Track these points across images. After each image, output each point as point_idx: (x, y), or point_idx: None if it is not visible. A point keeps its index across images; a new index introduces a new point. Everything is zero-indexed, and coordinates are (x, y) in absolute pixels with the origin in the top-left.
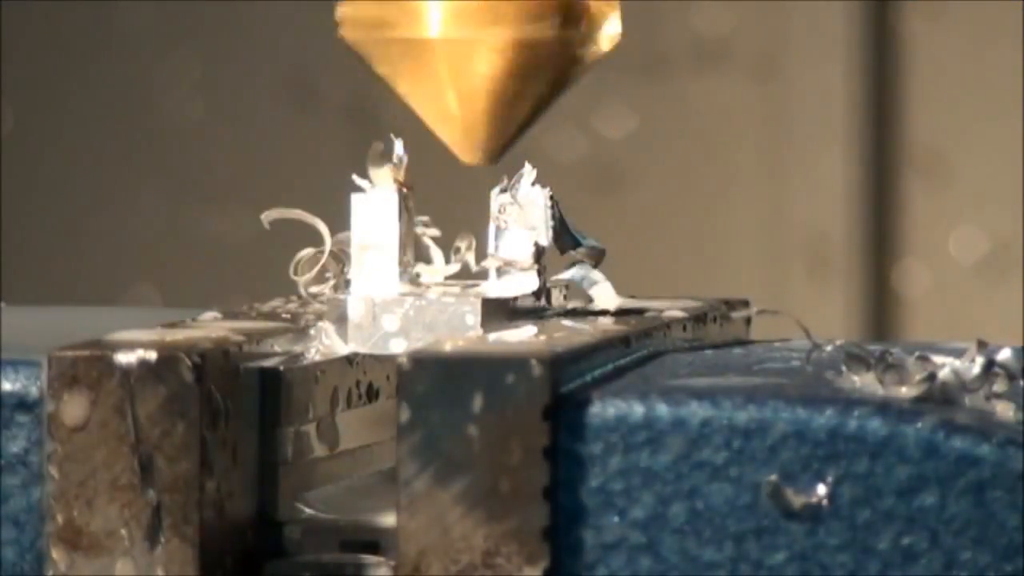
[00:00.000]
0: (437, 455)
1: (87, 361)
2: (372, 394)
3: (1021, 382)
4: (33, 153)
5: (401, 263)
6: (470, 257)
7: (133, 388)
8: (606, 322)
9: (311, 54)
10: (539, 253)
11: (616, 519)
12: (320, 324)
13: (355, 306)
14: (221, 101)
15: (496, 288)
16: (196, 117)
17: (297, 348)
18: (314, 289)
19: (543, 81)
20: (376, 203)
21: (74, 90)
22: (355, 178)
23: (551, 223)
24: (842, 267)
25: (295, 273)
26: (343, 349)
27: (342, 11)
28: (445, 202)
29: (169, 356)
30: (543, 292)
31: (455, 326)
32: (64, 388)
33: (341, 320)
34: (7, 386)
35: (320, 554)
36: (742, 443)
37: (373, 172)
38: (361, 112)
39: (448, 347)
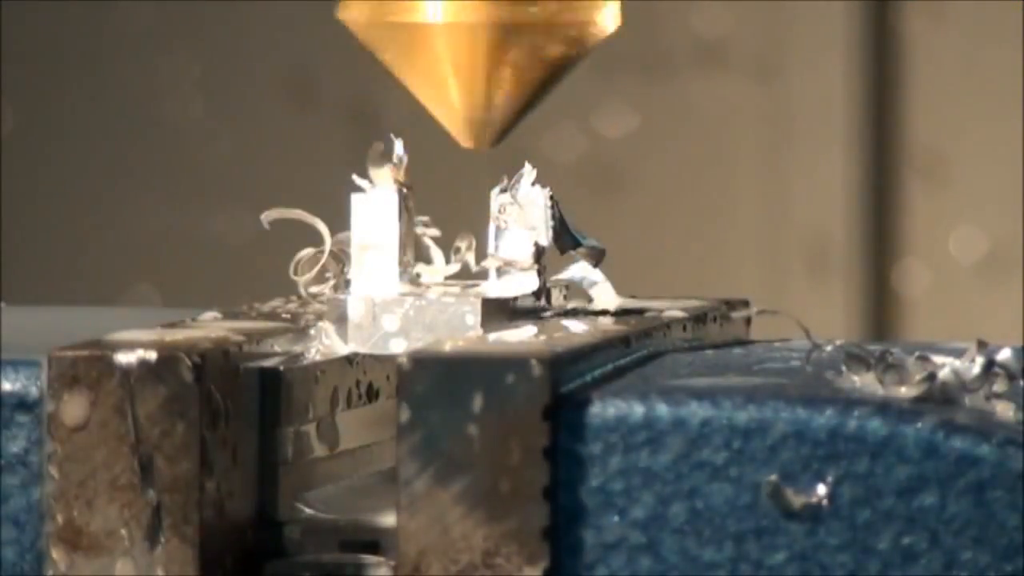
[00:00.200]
0: (437, 455)
1: (87, 361)
2: (372, 394)
3: (1021, 382)
4: (33, 153)
5: (401, 263)
6: (470, 257)
7: (133, 388)
8: (606, 322)
9: (311, 54)
10: (539, 253)
11: (616, 519)
12: (320, 324)
13: (355, 306)
14: (221, 101)
15: (496, 288)
16: (196, 117)
17: (297, 348)
18: (314, 289)
19: (544, 65)
20: (376, 203)
21: (74, 90)
22: (355, 178)
23: (551, 223)
24: (842, 267)
25: (295, 273)
26: (343, 349)
27: None
28: (445, 202)
29: (169, 356)
30: (543, 292)
31: (455, 326)
32: (64, 388)
33: (341, 320)
34: (7, 386)
35: (320, 554)
36: (742, 443)
37: (373, 172)
38: (361, 112)
39: (448, 347)
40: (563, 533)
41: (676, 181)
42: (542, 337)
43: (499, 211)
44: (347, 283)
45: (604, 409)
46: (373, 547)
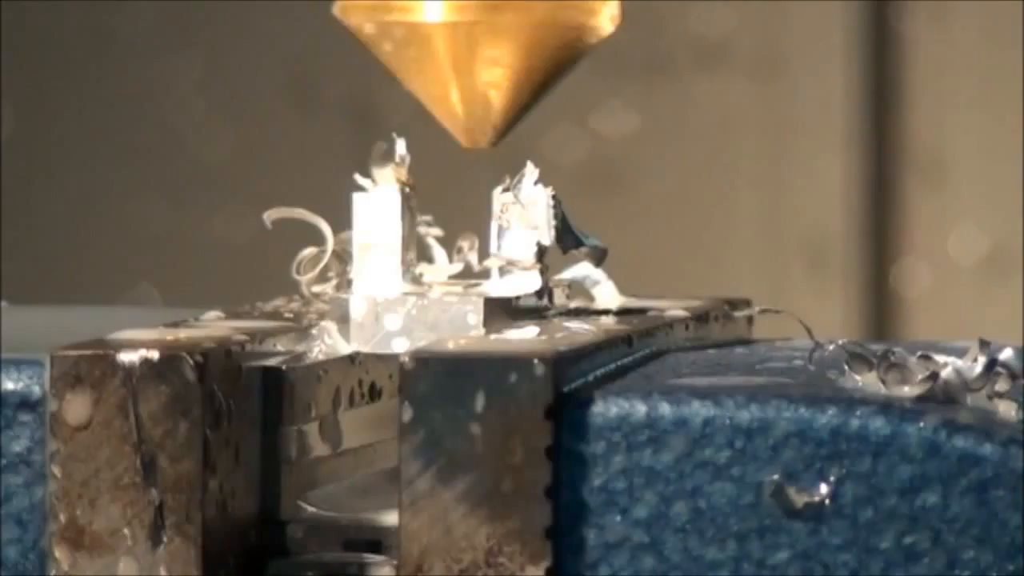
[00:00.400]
0: (440, 454)
1: (90, 360)
2: (374, 393)
3: (1023, 381)
4: (33, 153)
5: (403, 262)
6: (472, 257)
7: (136, 387)
8: (608, 321)
9: (312, 54)
10: (541, 252)
11: (618, 518)
12: (322, 323)
13: (357, 305)
14: (221, 101)
15: (498, 287)
16: (196, 117)
17: (300, 347)
18: (316, 288)
19: (544, 64)
20: (378, 202)
21: (74, 90)
22: (357, 177)
23: (553, 222)
24: (842, 267)
25: (297, 272)
26: (345, 348)
27: None
28: (445, 202)
29: (172, 355)
30: (545, 292)
31: (457, 325)
32: (67, 387)
33: (343, 319)
34: (10, 385)
35: (323, 553)
36: (745, 442)
37: (376, 171)
38: (362, 112)
39: (451, 346)
40: (566, 532)
41: (676, 181)
42: (544, 336)
43: (501, 210)
44: (349, 282)
45: (607, 408)
46: (376, 546)
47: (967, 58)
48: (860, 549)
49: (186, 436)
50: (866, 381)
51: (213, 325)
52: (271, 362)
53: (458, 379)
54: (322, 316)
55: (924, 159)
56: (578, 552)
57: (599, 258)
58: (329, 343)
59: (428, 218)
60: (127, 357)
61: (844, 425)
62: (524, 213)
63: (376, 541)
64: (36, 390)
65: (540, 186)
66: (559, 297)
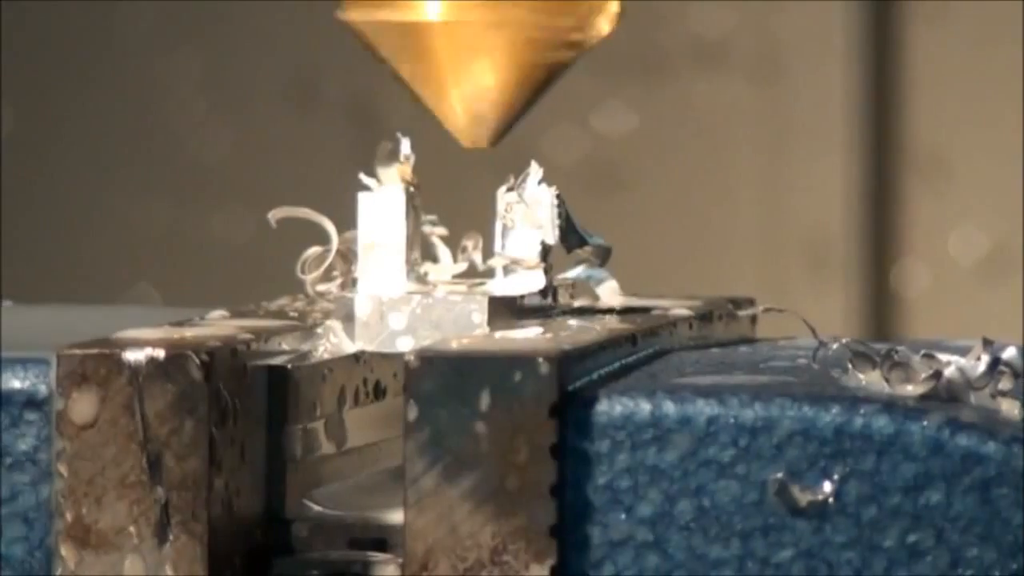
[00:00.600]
0: (445, 453)
1: (96, 359)
2: (379, 392)
3: None
4: (33, 153)
5: (408, 261)
6: (477, 256)
7: (142, 386)
8: (613, 320)
9: (313, 54)
10: (545, 252)
11: (623, 516)
12: (327, 322)
13: (362, 304)
14: (222, 101)
15: (503, 287)
16: (197, 117)
17: (305, 346)
18: (321, 287)
19: (544, 64)
20: (383, 201)
21: (74, 90)
22: (362, 176)
23: (558, 221)
24: (842, 267)
25: (302, 271)
26: (350, 347)
27: None
28: (444, 202)
29: (178, 354)
30: (549, 291)
31: (462, 324)
32: (73, 386)
33: (348, 318)
34: (16, 384)
35: (328, 551)
36: (749, 441)
37: (381, 171)
38: (362, 112)
39: (455, 345)
40: (570, 530)
41: (676, 181)
42: (549, 335)
43: (505, 210)
44: (354, 281)
45: (611, 407)
46: (381, 544)
47: (967, 58)
48: (864, 547)
49: (192, 435)
50: (870, 380)
51: (218, 324)
52: (276, 361)
53: (463, 378)
54: (327, 315)
55: (924, 159)
56: (583, 550)
57: (603, 257)
58: (334, 342)
59: (433, 217)
60: (133, 356)
61: (848, 424)
62: (528, 212)
63: (381, 539)
64: (42, 389)
65: (544, 185)
66: (563, 296)
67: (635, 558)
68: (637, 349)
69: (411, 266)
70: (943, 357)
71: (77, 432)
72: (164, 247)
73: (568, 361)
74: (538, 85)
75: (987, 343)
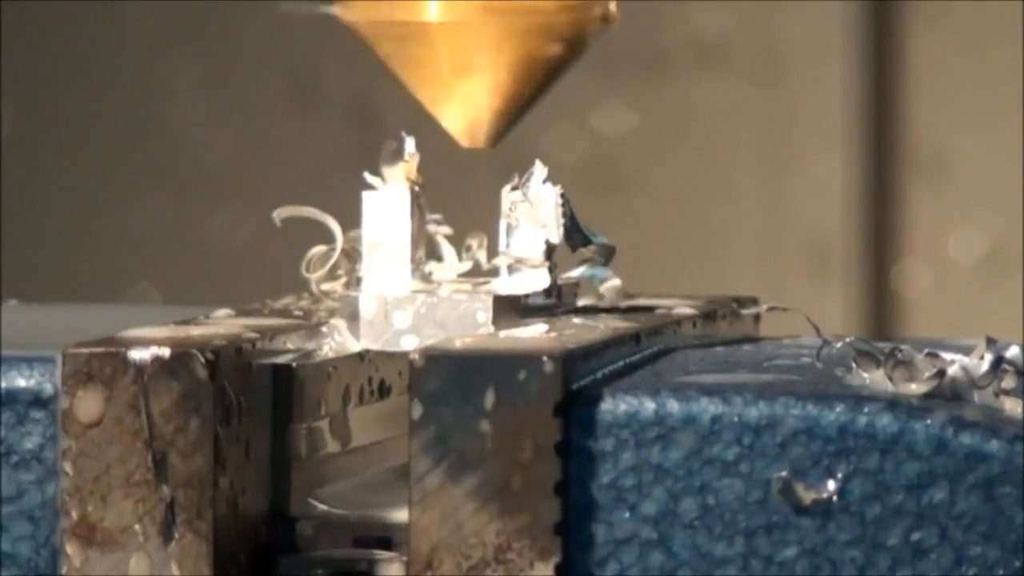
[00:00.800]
0: (449, 451)
1: (101, 358)
2: (384, 391)
3: None
4: (33, 153)
5: (413, 260)
6: (481, 255)
7: (147, 384)
8: (617, 319)
9: (313, 54)
10: (550, 250)
11: (627, 515)
12: (332, 321)
13: (367, 303)
14: (222, 101)
15: (507, 285)
16: (197, 117)
17: (310, 345)
18: (326, 286)
19: (543, 64)
20: (388, 200)
21: (74, 90)
22: (367, 175)
23: (562, 220)
24: (842, 267)
25: (307, 270)
26: (355, 346)
27: None
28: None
29: (183, 353)
30: (554, 289)
31: (466, 323)
32: (79, 385)
33: (353, 317)
34: (22, 382)
35: (333, 550)
36: (753, 439)
37: (386, 170)
38: (362, 112)
39: (460, 344)
40: (575, 528)
41: (676, 181)
42: (553, 334)
43: (510, 209)
44: (359, 280)
45: (615, 405)
46: (386, 543)
47: (967, 58)
48: (867, 545)
49: (197, 433)
50: (873, 378)
51: (223, 323)
52: (281, 359)
53: (468, 376)
54: (332, 314)
55: (924, 159)
56: (587, 548)
57: (607, 256)
58: (339, 341)
59: (437, 216)
60: (138, 354)
61: (852, 422)
62: (533, 211)
63: (386, 538)
64: (48, 387)
65: (548, 184)
66: (567, 295)
67: (639, 556)
68: (641, 348)
69: (416, 265)
70: (946, 356)
71: (83, 430)
72: (164, 247)
73: (572, 360)
74: (538, 85)
75: (990, 342)
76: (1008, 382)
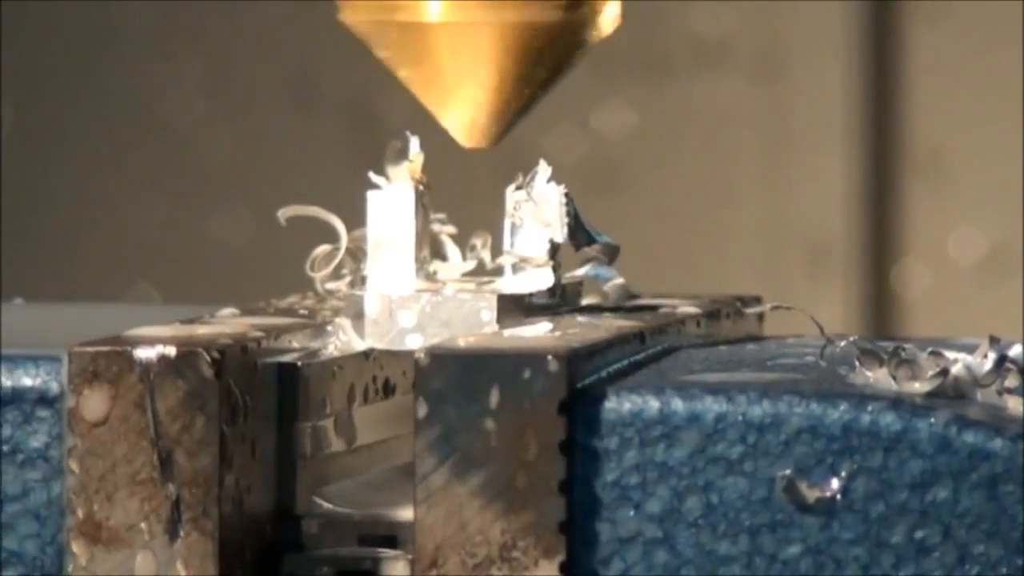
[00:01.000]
0: (454, 450)
1: (107, 356)
2: (389, 389)
3: None
4: (33, 153)
5: (417, 260)
6: (486, 254)
7: (153, 383)
8: (621, 318)
9: (313, 54)
10: (554, 250)
11: (632, 513)
12: (337, 320)
13: (372, 302)
14: (222, 101)
15: (511, 284)
16: (196, 117)
17: (315, 344)
18: (331, 285)
19: (544, 64)
20: (392, 200)
21: (74, 90)
22: (371, 175)
23: (566, 220)
24: (842, 267)
25: (311, 269)
26: (360, 345)
27: None
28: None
29: (189, 351)
30: (558, 288)
31: (471, 322)
32: (84, 383)
33: (358, 316)
34: (28, 381)
35: (338, 548)
36: (757, 438)
37: (390, 169)
38: (361, 112)
39: (465, 343)
40: (579, 527)
41: (676, 181)
42: (558, 333)
43: (514, 208)
44: (363, 279)
45: (620, 404)
46: (390, 541)
47: (967, 58)
48: (871, 544)
49: (203, 432)
50: (877, 377)
51: (229, 322)
52: (287, 358)
53: (472, 375)
54: (336, 313)
55: (924, 159)
56: (592, 546)
57: (611, 255)
58: (344, 340)
59: (442, 216)
60: (144, 353)
61: (855, 421)
62: (537, 210)
63: (391, 536)
64: (54, 386)
65: (553, 184)
66: (571, 294)
67: (644, 554)
68: (645, 347)
69: (420, 264)
70: (950, 355)
71: (88, 429)
72: (163, 247)
73: (577, 358)
74: (538, 86)
75: (993, 341)
76: (1011, 381)
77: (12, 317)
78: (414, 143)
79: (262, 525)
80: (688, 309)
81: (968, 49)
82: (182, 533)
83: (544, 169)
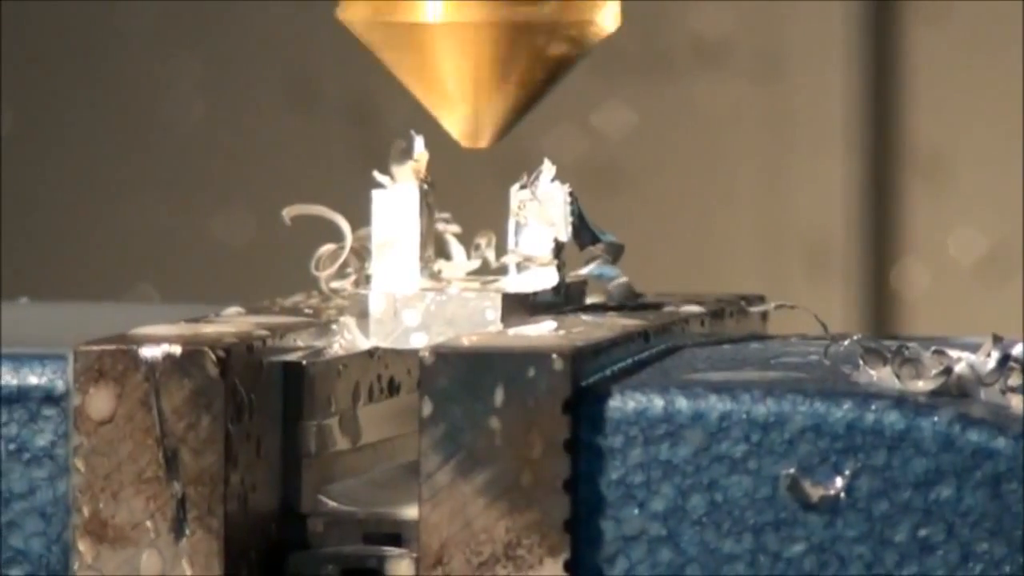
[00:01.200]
0: (459, 448)
1: (113, 355)
2: (393, 388)
3: None
4: (33, 153)
5: (422, 259)
6: (490, 253)
7: (158, 382)
8: (625, 317)
9: (312, 54)
10: (558, 249)
11: (636, 511)
12: (342, 319)
13: (376, 301)
14: (222, 101)
15: (516, 283)
16: (197, 117)
17: (319, 343)
18: (335, 284)
19: (544, 64)
20: (397, 199)
21: (74, 90)
22: (376, 174)
23: (570, 219)
24: (842, 267)
25: (316, 268)
26: (365, 344)
27: None
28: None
29: (194, 350)
30: (562, 287)
31: (475, 321)
32: (90, 382)
33: (363, 315)
34: (34, 380)
35: (343, 546)
36: (761, 436)
37: (395, 168)
38: (362, 112)
39: (469, 342)
40: (584, 525)
41: (676, 181)
42: (562, 332)
43: (518, 207)
44: (368, 278)
45: (624, 403)
46: (395, 539)
47: (967, 58)
48: (875, 542)
49: (208, 430)
50: (880, 376)
51: (234, 320)
52: (292, 357)
53: (477, 374)
54: (341, 312)
55: (924, 159)
56: (596, 545)
57: (615, 254)
58: (348, 338)
59: (446, 215)
60: (150, 352)
61: (859, 419)
62: (541, 210)
63: (396, 534)
64: (60, 385)
65: (557, 183)
66: (576, 293)
67: (648, 552)
68: (650, 345)
69: (425, 263)
70: (953, 354)
71: (94, 428)
72: (163, 247)
73: (581, 357)
74: (538, 87)
75: (997, 339)
76: (1014, 379)
77: (18, 316)
78: (418, 142)
79: (267, 523)
80: (692, 308)
81: (968, 50)
82: (187, 531)
83: (548, 168)
